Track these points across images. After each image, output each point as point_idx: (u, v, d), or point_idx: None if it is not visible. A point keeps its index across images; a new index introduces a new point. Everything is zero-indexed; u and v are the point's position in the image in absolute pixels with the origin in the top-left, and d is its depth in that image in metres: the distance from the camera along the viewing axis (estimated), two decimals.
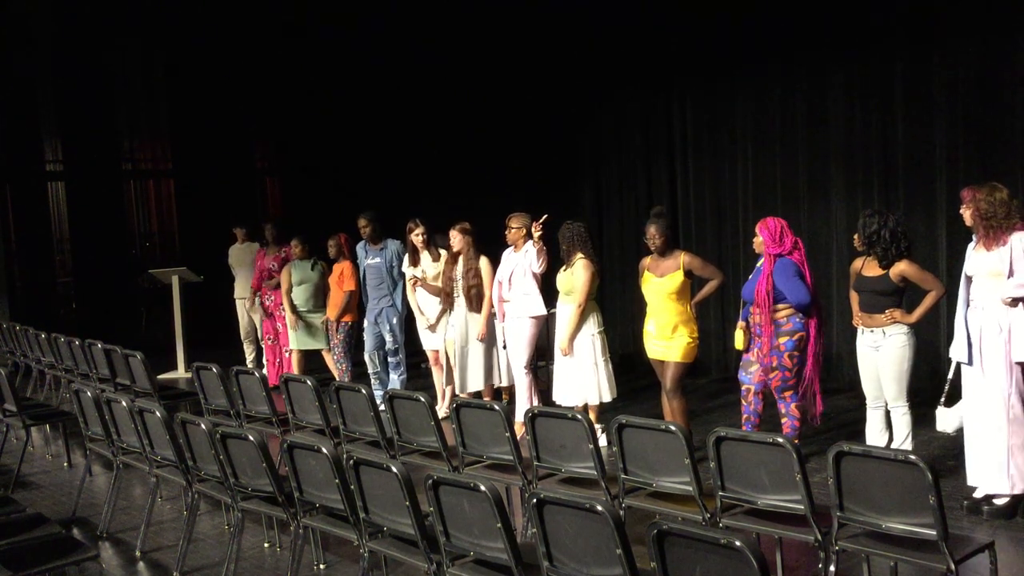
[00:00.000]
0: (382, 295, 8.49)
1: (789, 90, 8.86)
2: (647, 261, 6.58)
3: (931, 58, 7.79)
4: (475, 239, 7.68)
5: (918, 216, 7.83)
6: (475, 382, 7.60)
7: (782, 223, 6.05)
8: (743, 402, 6.18)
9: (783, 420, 6.10)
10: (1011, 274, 4.90)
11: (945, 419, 5.65)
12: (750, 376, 6.09)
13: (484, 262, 7.61)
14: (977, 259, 5.07)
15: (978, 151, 7.55)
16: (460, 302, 7.65)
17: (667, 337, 6.40)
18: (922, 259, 7.12)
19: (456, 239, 7.65)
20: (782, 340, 5.90)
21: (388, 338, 8.50)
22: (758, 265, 6.11)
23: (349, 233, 8.90)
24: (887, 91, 8.10)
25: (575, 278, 6.78)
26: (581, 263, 6.81)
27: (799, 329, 5.90)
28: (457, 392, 7.58)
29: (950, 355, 5.34)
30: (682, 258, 6.39)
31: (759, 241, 6.02)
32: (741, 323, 6.22)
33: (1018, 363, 4.96)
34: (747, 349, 6.15)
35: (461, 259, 7.65)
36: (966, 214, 5.09)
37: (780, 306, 5.90)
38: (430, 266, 8.07)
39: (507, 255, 7.41)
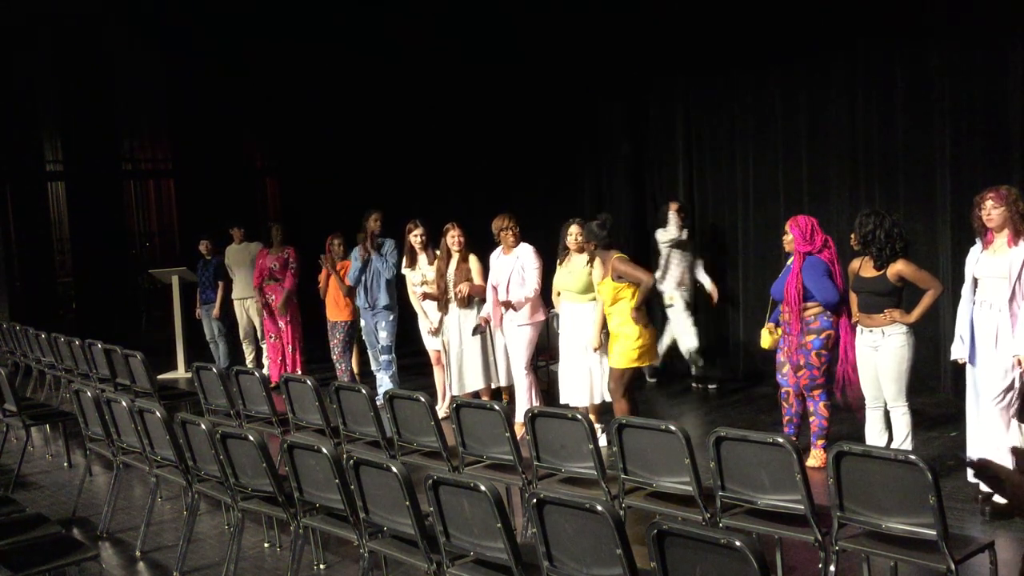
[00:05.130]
0: (375, 293, 8.46)
1: (790, 90, 8.85)
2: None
3: (931, 58, 7.78)
4: (468, 238, 7.71)
5: (919, 216, 7.82)
6: (472, 382, 7.58)
7: (813, 221, 6.06)
8: (784, 404, 6.23)
9: (811, 419, 6.11)
10: (1018, 280, 4.93)
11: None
12: (786, 378, 6.11)
13: (474, 259, 7.61)
14: (989, 261, 5.09)
15: (979, 151, 7.53)
16: (453, 302, 7.64)
17: (612, 340, 6.48)
18: (923, 259, 7.12)
19: (457, 239, 7.64)
20: (809, 339, 5.92)
21: (382, 334, 8.48)
22: (788, 263, 6.13)
23: (346, 233, 8.88)
24: (888, 91, 8.09)
25: (595, 276, 6.80)
26: (599, 261, 6.85)
27: (827, 328, 5.91)
28: (454, 392, 7.56)
29: (952, 357, 5.36)
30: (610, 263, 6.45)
31: (789, 239, 6.03)
32: (769, 324, 6.24)
33: None
34: (774, 349, 6.17)
35: (453, 258, 7.63)
36: (996, 213, 5.00)
37: (809, 304, 5.91)
38: (428, 269, 8.04)
39: (497, 258, 7.43)
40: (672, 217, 8.64)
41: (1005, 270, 4.99)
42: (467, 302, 7.56)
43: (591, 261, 6.84)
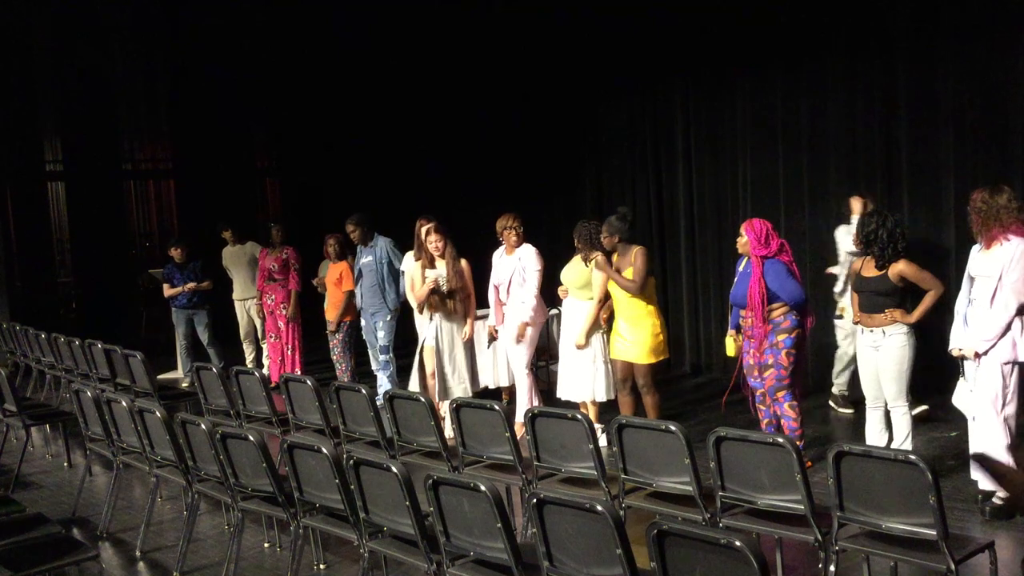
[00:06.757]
0: (374, 294, 8.45)
1: (791, 90, 8.83)
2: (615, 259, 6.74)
3: (934, 58, 7.77)
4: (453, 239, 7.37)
5: (923, 216, 7.81)
6: (458, 391, 7.10)
7: (767, 225, 6.03)
8: (760, 407, 6.17)
9: (780, 422, 6.09)
10: (999, 281, 4.98)
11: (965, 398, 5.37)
12: (759, 380, 6.09)
13: (465, 263, 7.26)
14: (981, 260, 5.14)
15: (982, 150, 7.52)
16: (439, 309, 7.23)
17: (633, 339, 6.58)
18: (927, 259, 7.09)
19: (439, 240, 7.14)
20: (781, 338, 5.89)
21: (380, 334, 8.47)
22: (740, 268, 6.10)
23: (346, 234, 8.88)
24: (890, 91, 8.07)
25: (594, 276, 6.79)
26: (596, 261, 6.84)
27: (796, 326, 5.91)
28: (437, 399, 7.02)
29: (952, 345, 5.36)
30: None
31: (744, 242, 5.99)
32: (731, 331, 6.20)
33: (1016, 363, 5.02)
34: (739, 355, 6.15)
35: (445, 262, 7.18)
36: (970, 212, 5.19)
37: (774, 305, 5.89)
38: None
39: (499, 257, 7.38)
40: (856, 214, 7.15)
41: (994, 269, 5.03)
42: (452, 309, 7.14)
43: (589, 259, 6.83)
